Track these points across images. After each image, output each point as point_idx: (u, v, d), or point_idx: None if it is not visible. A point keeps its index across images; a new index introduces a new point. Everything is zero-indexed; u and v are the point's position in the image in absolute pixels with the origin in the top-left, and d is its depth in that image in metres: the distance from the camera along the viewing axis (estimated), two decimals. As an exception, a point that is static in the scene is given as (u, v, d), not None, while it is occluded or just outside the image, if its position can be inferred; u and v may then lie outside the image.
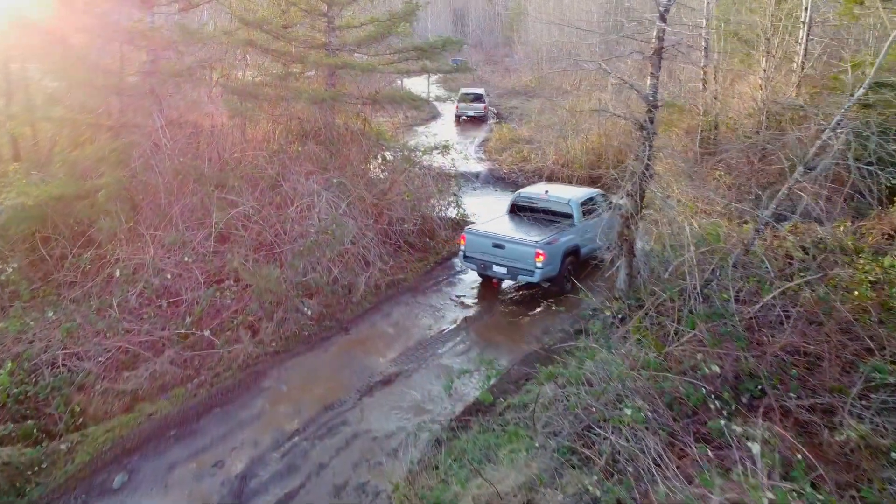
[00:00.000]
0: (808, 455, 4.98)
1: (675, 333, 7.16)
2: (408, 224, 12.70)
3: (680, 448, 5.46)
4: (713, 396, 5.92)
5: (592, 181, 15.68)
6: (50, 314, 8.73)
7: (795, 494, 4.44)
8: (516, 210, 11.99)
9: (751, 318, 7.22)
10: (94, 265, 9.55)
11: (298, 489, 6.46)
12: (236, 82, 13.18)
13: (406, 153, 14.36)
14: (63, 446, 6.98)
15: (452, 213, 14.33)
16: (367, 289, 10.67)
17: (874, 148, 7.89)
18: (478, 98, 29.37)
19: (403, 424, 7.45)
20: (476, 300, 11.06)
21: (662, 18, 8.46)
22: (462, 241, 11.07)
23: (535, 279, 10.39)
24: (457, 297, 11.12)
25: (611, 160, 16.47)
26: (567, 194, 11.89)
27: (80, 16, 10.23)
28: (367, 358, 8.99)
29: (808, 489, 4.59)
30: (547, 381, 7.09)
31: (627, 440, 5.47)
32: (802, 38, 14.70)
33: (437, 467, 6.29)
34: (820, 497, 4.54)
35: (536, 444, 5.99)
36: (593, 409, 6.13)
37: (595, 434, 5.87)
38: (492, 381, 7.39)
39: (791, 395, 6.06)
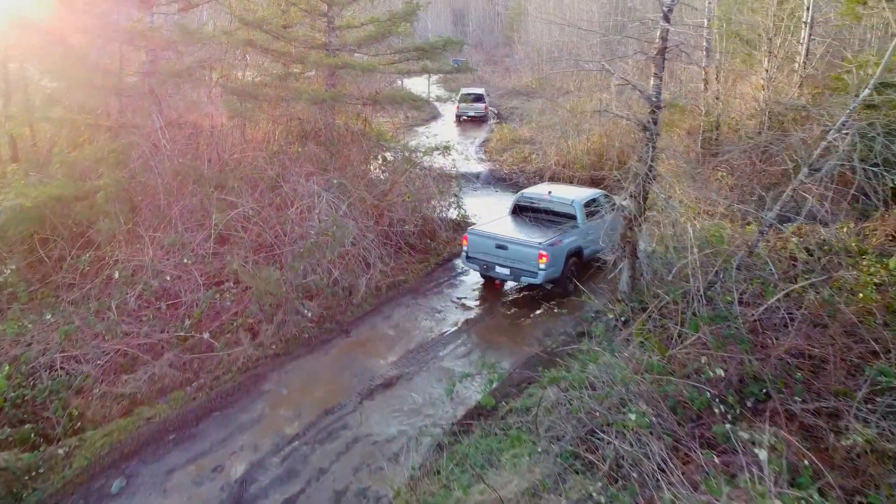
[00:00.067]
0: (815, 460, 4.92)
1: (679, 336, 7.10)
2: (408, 225, 12.63)
3: (685, 453, 5.39)
4: (717, 400, 5.86)
5: (594, 182, 15.63)
6: (48, 316, 8.68)
7: (804, 502, 4.38)
8: (519, 211, 11.91)
9: (755, 320, 7.16)
10: (92, 267, 9.50)
11: (298, 494, 6.40)
12: (236, 83, 13.14)
13: (407, 154, 14.30)
14: (61, 451, 6.91)
15: (453, 213, 14.26)
16: (367, 290, 10.61)
17: (880, 149, 7.83)
18: (478, 98, 29.33)
19: (404, 428, 7.39)
20: (477, 302, 11.00)
21: (666, 18, 8.41)
22: (465, 242, 11.01)
23: (538, 281, 10.33)
24: (458, 298, 11.06)
25: (612, 161, 16.45)
26: (570, 195, 11.79)
27: (79, 16, 10.19)
28: (367, 360, 8.93)
29: (816, 497, 4.53)
30: (549, 385, 7.00)
31: (631, 445, 5.40)
32: (804, 38, 14.65)
33: (438, 472, 6.23)
34: (827, 504, 4.49)
35: (539, 449, 5.93)
36: (597, 414, 6.08)
37: (599, 439, 5.81)
38: (494, 385, 7.29)
39: (796, 398, 5.99)
